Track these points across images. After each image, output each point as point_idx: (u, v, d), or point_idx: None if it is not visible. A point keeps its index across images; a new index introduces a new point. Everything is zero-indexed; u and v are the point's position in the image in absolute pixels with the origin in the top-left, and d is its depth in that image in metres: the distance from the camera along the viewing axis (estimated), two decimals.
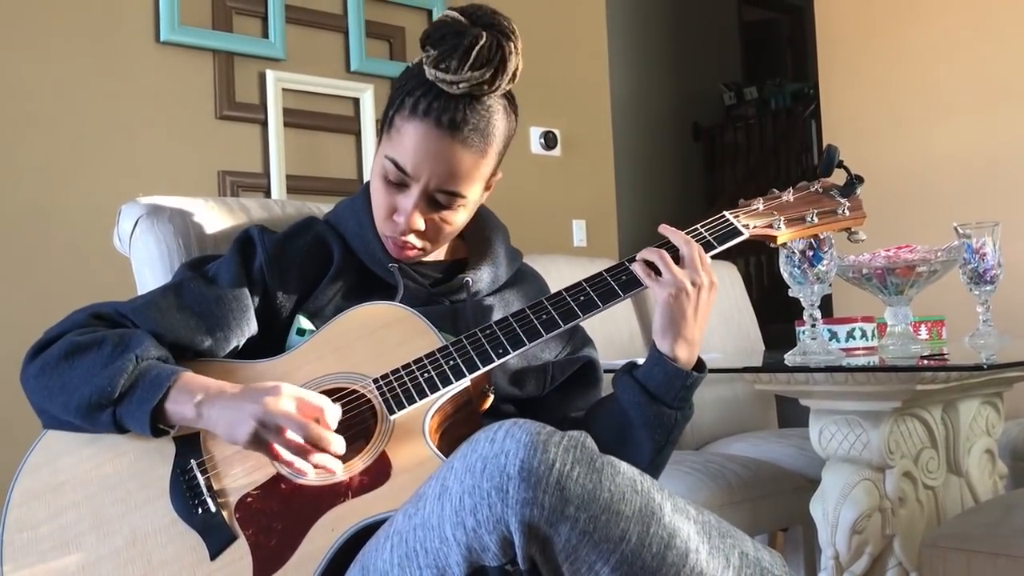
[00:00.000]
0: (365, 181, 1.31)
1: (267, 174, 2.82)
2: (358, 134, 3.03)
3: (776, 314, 3.95)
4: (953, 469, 1.66)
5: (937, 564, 1.38)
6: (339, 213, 1.29)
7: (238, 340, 1.15)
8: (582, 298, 1.13)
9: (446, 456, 0.95)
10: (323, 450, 0.99)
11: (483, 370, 1.09)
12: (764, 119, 6.34)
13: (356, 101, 3.03)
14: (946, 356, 1.49)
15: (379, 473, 1.01)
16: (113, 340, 1.06)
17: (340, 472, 1.01)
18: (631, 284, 1.13)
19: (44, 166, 2.44)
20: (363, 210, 1.25)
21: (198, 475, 1.03)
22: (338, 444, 1.00)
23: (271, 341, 1.18)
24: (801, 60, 6.84)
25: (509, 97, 1.19)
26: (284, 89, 2.86)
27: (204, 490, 1.02)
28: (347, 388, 1.09)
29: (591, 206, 3.66)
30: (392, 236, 1.20)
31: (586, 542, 0.79)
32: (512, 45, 1.12)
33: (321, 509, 0.99)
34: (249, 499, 1.01)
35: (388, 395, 1.07)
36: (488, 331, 1.11)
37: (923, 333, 1.80)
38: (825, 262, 1.42)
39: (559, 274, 2.10)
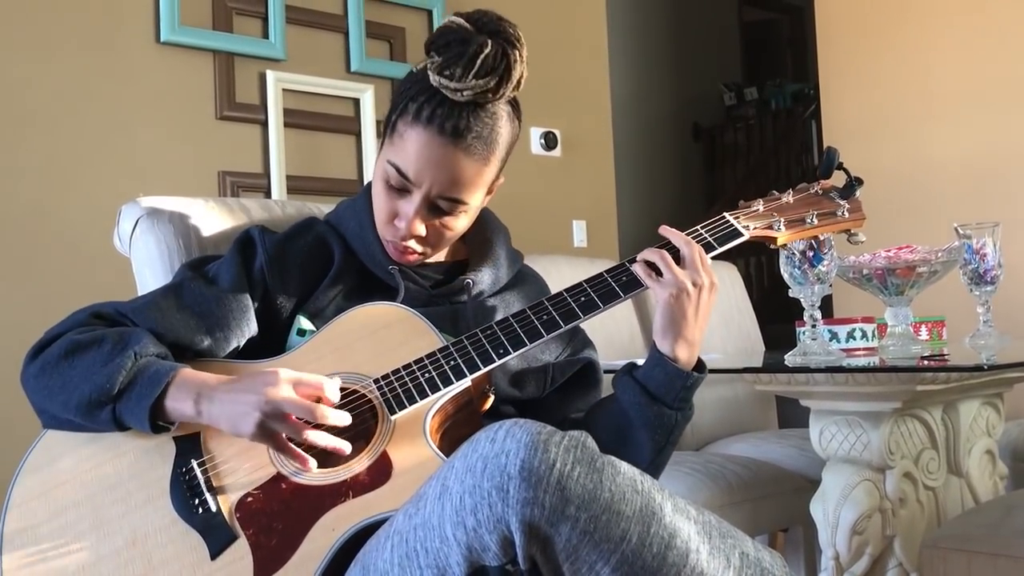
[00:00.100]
0: (366, 182, 1.31)
1: (267, 174, 2.82)
2: (358, 134, 3.03)
3: (776, 315, 3.95)
4: (953, 470, 1.66)
5: (937, 565, 1.38)
6: (340, 214, 1.29)
7: (238, 340, 1.15)
8: (583, 299, 1.13)
9: (447, 456, 0.95)
10: (331, 426, 1.00)
11: (484, 370, 1.09)
12: (764, 120, 6.35)
13: (356, 101, 3.03)
14: (946, 357, 1.49)
15: (380, 473, 1.01)
16: (113, 338, 1.06)
17: (349, 450, 1.01)
18: (631, 285, 1.14)
19: (44, 166, 2.44)
20: (364, 211, 1.25)
21: (198, 474, 1.03)
22: (344, 418, 1.01)
23: (271, 341, 1.18)
24: (801, 61, 6.84)
25: (513, 103, 1.19)
26: (284, 89, 2.86)
27: (204, 490, 1.02)
28: (348, 388, 1.09)
29: (591, 206, 3.66)
30: (393, 241, 1.20)
31: (587, 542, 0.79)
32: (517, 53, 1.11)
33: (322, 509, 0.99)
34: (249, 499, 1.01)
35: (389, 395, 1.07)
36: (489, 331, 1.11)
37: (923, 334, 1.80)
38: (825, 263, 1.42)
39: (559, 275, 2.10)
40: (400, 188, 1.16)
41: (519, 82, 1.13)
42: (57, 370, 1.06)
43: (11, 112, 2.40)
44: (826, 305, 1.65)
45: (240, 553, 0.98)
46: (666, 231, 1.17)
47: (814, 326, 1.45)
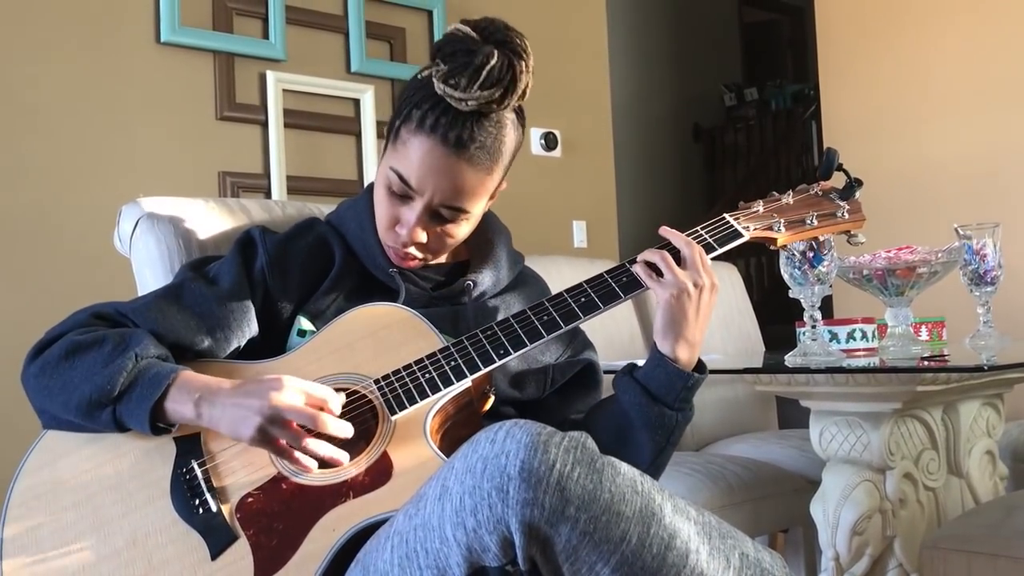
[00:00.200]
0: (368, 183, 1.31)
1: (267, 175, 2.82)
2: (358, 135, 3.03)
3: (776, 315, 3.95)
4: (954, 470, 1.66)
5: (938, 565, 1.38)
6: (341, 214, 1.29)
7: (239, 341, 1.15)
8: (583, 299, 1.13)
9: (447, 457, 0.95)
10: (332, 437, 0.99)
11: (484, 370, 1.09)
12: (764, 120, 6.35)
13: (356, 102, 3.03)
14: (946, 357, 1.49)
15: (380, 473, 1.01)
16: (114, 339, 1.06)
17: (347, 462, 1.01)
18: (632, 285, 1.14)
19: (45, 167, 2.44)
20: (365, 213, 1.25)
21: (199, 475, 1.03)
22: (347, 429, 1.00)
23: (272, 342, 1.18)
24: (801, 61, 6.84)
25: (517, 110, 1.18)
26: (284, 90, 2.86)
27: (205, 490, 1.02)
28: (348, 389, 1.09)
29: (592, 207, 3.66)
30: (394, 246, 1.20)
31: (586, 543, 0.79)
32: (523, 64, 1.10)
33: (322, 509, 0.99)
34: (250, 499, 1.01)
35: (389, 395, 1.07)
36: (489, 332, 1.11)
37: (923, 334, 1.80)
38: (826, 263, 1.42)
39: (559, 275, 2.10)
40: (402, 195, 1.16)
41: (524, 92, 1.12)
42: (58, 370, 1.06)
43: (11, 112, 2.40)
44: (826, 306, 1.65)
45: (240, 553, 0.98)
46: (666, 232, 1.17)
47: (814, 327, 1.46)
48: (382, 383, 1.08)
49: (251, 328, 1.16)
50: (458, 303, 1.24)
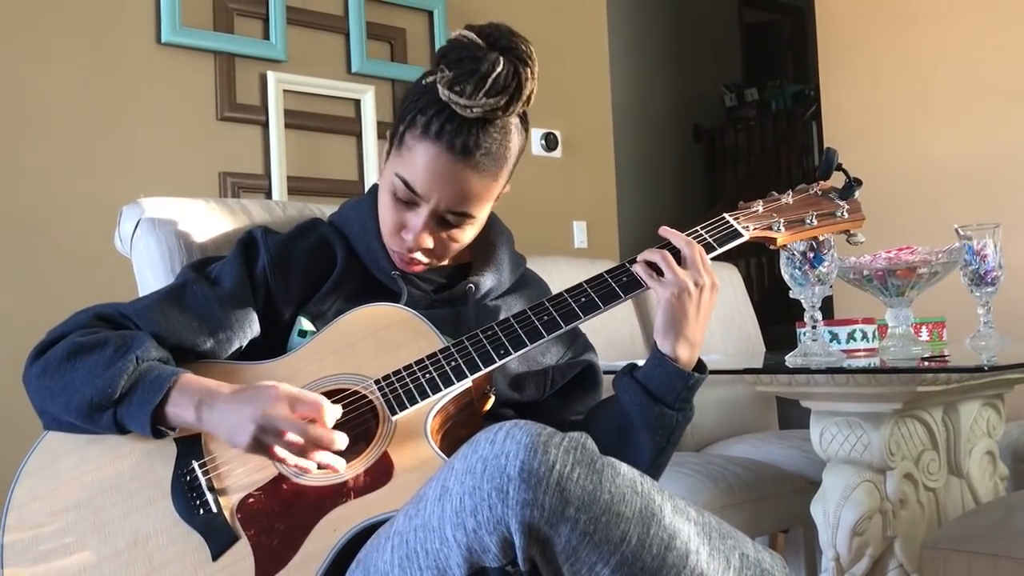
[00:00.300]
0: (371, 184, 1.31)
1: (268, 175, 2.82)
2: (359, 136, 3.03)
3: (777, 316, 3.95)
4: (954, 471, 1.66)
5: (938, 566, 1.38)
6: (344, 216, 1.29)
7: (240, 341, 1.15)
8: (583, 299, 1.13)
9: (448, 457, 0.95)
10: (324, 448, 0.99)
11: (485, 370, 1.09)
12: (765, 121, 6.35)
13: (357, 102, 3.03)
14: (947, 358, 1.49)
15: (381, 474, 1.01)
16: (115, 342, 1.06)
17: (343, 469, 1.01)
18: (632, 285, 1.14)
19: (45, 167, 2.44)
20: (368, 215, 1.24)
21: (200, 476, 1.03)
22: (339, 440, 1.00)
23: (273, 342, 1.18)
24: (802, 62, 6.84)
25: (521, 115, 1.18)
26: (285, 90, 2.87)
27: (206, 490, 1.02)
28: (349, 389, 1.09)
29: (592, 207, 3.67)
30: (399, 251, 1.20)
31: (586, 543, 0.79)
32: (529, 71, 1.10)
33: (323, 509, 0.99)
34: (251, 499, 1.01)
35: (390, 396, 1.07)
36: (489, 332, 1.11)
37: (924, 335, 1.80)
38: (826, 264, 1.42)
39: (560, 275, 2.10)
40: (408, 201, 1.16)
41: (529, 98, 1.12)
42: (59, 372, 1.06)
43: (12, 113, 2.40)
44: (826, 306, 1.65)
45: (241, 554, 0.98)
46: (666, 232, 1.17)
47: (815, 327, 1.46)
48: (382, 383, 1.08)
49: (253, 329, 1.16)
50: (460, 305, 1.24)
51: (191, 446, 1.05)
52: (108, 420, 1.03)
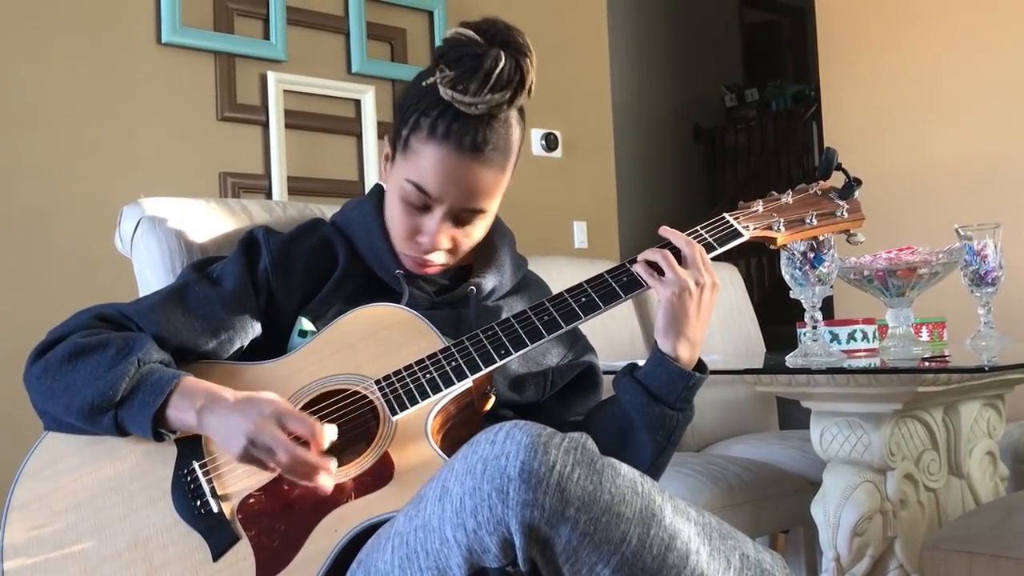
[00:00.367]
0: (373, 184, 1.31)
1: (268, 175, 2.82)
2: (359, 136, 3.03)
3: (777, 316, 3.95)
4: (954, 471, 1.66)
5: (938, 566, 1.38)
6: (347, 215, 1.29)
7: (242, 342, 1.15)
8: (583, 299, 1.13)
9: (448, 457, 0.95)
10: (309, 474, 0.97)
11: (485, 371, 1.09)
12: (765, 121, 6.35)
13: (357, 103, 3.03)
14: (947, 358, 1.49)
15: (381, 474, 1.01)
16: (117, 343, 1.06)
17: (331, 490, 0.98)
18: (632, 285, 1.14)
19: (46, 167, 2.44)
20: (372, 215, 1.24)
21: (200, 476, 1.03)
22: (327, 467, 0.97)
23: (274, 342, 1.18)
24: (802, 62, 6.84)
25: (519, 107, 1.18)
26: (285, 91, 2.87)
27: (206, 491, 1.02)
28: (349, 389, 1.09)
29: (592, 208, 3.67)
30: (414, 255, 1.20)
31: (587, 544, 0.79)
32: (529, 63, 1.10)
33: (324, 510, 0.99)
34: (251, 500, 1.01)
35: (390, 396, 1.07)
36: (490, 332, 1.11)
37: (924, 335, 1.80)
38: (826, 264, 1.42)
39: (560, 276, 2.10)
40: (421, 205, 1.16)
41: (530, 89, 1.13)
42: (60, 373, 1.06)
43: (12, 113, 2.40)
44: (827, 306, 1.65)
45: (242, 554, 0.98)
46: (666, 231, 1.17)
47: (815, 327, 1.45)
48: (383, 384, 1.08)
49: (254, 329, 1.16)
50: (461, 307, 1.24)
51: (191, 447, 1.05)
52: (109, 422, 1.03)
